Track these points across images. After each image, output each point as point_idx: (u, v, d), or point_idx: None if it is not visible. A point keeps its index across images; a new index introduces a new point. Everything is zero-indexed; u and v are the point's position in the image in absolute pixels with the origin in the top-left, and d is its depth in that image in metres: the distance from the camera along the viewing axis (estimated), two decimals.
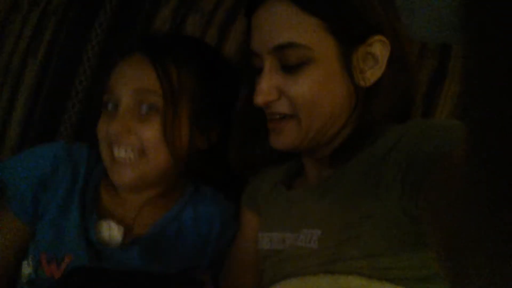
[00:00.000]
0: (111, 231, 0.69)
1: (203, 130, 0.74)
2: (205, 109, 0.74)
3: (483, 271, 0.32)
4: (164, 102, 0.70)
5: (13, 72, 0.96)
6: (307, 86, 0.61)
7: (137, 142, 0.70)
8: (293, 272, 0.61)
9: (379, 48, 0.62)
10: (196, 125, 0.73)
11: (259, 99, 0.63)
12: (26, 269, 0.69)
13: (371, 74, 0.63)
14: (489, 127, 0.25)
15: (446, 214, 0.43)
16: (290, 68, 0.61)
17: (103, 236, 0.70)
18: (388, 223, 0.55)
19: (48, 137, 0.92)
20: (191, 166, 0.75)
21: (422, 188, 0.50)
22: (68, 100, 0.92)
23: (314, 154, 0.68)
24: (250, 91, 0.67)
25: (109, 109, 0.72)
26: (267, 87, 0.62)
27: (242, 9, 0.89)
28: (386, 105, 0.64)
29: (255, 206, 0.75)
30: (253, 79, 0.66)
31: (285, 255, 0.64)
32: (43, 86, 0.95)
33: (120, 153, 0.70)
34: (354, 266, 0.56)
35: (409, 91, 0.67)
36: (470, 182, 0.30)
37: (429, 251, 0.53)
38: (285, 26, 0.61)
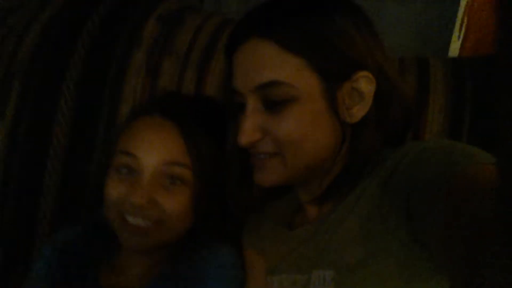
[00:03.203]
0: None
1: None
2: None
3: None
4: (194, 176, 0.67)
5: None
6: (292, 125, 0.60)
7: (158, 213, 0.66)
8: None
9: (364, 84, 0.62)
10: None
11: (243, 140, 0.62)
12: None
13: (357, 110, 0.62)
14: None
15: (457, 238, 0.42)
16: (274, 107, 0.60)
17: None
18: (400, 252, 0.54)
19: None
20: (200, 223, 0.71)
21: (428, 214, 0.49)
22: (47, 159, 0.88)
23: (307, 189, 0.67)
24: (234, 128, 0.66)
25: (122, 173, 0.67)
26: (251, 127, 0.61)
27: (218, 47, 0.88)
28: (375, 138, 0.63)
29: (258, 245, 0.72)
30: (237, 116, 0.65)
31: None
32: (15, 147, 0.90)
33: (136, 221, 0.65)
34: None
35: (402, 120, 0.67)
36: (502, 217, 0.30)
37: (439, 276, 0.53)
38: (267, 65, 0.60)
